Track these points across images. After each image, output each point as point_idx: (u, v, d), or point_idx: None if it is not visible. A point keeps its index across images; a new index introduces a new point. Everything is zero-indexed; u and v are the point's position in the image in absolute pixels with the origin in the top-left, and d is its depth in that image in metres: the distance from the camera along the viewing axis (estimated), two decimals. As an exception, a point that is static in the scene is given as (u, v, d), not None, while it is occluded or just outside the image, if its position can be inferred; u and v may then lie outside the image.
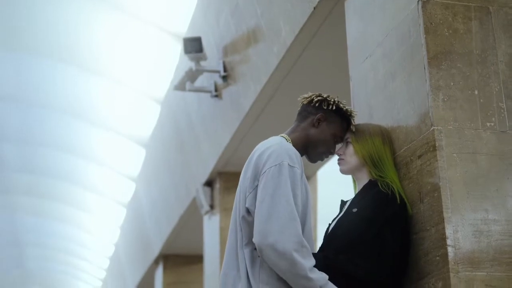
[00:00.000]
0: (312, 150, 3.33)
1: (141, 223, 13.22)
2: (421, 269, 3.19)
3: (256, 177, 3.09)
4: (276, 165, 3.04)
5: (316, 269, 2.96)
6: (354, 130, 3.44)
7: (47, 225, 18.32)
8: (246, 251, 3.06)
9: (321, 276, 2.95)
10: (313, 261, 2.96)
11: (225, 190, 8.41)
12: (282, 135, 3.32)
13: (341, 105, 3.37)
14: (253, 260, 3.04)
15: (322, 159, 3.38)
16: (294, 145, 3.23)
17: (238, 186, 3.24)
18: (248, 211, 3.09)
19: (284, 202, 2.98)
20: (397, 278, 3.19)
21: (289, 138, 3.28)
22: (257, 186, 3.07)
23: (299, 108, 3.42)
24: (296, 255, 2.91)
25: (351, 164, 3.45)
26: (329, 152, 3.37)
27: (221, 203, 8.39)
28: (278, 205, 2.97)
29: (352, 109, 3.42)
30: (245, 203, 3.09)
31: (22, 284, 24.96)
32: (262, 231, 2.95)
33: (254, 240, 2.98)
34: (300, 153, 3.23)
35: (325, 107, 3.34)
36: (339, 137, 3.40)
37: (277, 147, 3.12)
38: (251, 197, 3.08)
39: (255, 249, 3.02)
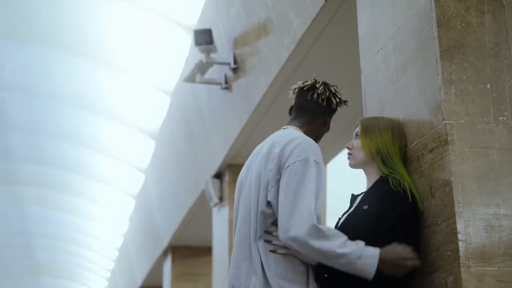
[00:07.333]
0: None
1: (150, 214, 13.24)
2: (432, 263, 3.17)
3: (278, 170, 3.06)
4: (300, 160, 3.02)
5: (348, 243, 2.93)
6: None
7: (55, 215, 18.34)
8: (260, 244, 3.04)
9: (356, 248, 2.92)
10: (339, 239, 2.93)
11: (235, 182, 8.26)
12: (293, 127, 3.28)
13: (348, 102, 3.38)
14: (266, 253, 3.02)
15: None
16: None
17: (248, 175, 3.20)
18: (269, 204, 3.06)
19: (306, 199, 2.96)
20: (408, 273, 3.17)
21: (301, 131, 3.25)
22: (279, 180, 3.04)
23: (303, 99, 3.35)
24: (314, 242, 2.89)
25: (358, 159, 3.42)
26: None
27: (230, 195, 8.37)
28: (301, 201, 2.95)
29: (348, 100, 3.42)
30: (266, 196, 3.05)
31: (30, 274, 25.01)
32: (285, 226, 2.94)
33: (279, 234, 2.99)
34: None
35: (335, 106, 3.36)
36: None
37: (301, 141, 3.09)
38: (273, 191, 3.04)
39: (268, 241, 3.01)
